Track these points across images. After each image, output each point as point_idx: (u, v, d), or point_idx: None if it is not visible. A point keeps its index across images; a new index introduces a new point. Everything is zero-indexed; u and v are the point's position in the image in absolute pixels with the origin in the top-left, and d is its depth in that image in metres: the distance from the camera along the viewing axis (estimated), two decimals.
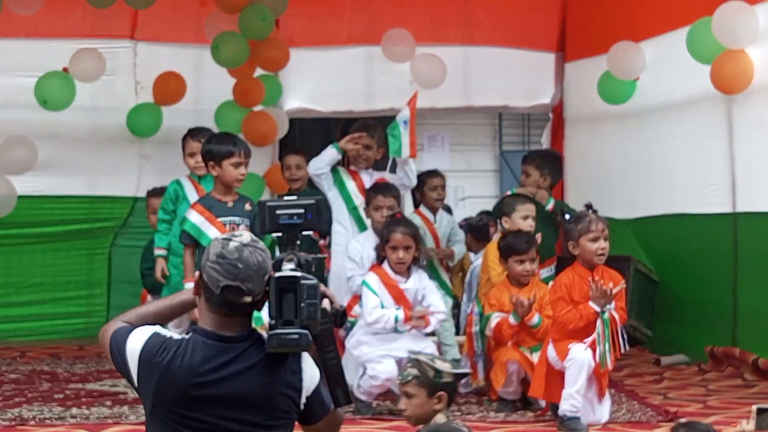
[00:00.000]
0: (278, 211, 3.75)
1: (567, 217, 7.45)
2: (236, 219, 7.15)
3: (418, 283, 7.21)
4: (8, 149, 9.21)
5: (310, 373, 3.59)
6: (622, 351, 6.79)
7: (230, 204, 7.18)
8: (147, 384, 3.50)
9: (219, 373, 3.47)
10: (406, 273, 7.19)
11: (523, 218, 7.57)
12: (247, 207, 7.21)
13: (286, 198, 3.91)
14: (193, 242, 7.12)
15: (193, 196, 7.65)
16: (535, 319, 7.09)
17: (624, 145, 9.88)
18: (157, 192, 8.48)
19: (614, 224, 9.15)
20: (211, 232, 6.99)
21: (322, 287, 3.58)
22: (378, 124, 8.21)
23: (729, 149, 8.49)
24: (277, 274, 3.52)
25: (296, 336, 3.45)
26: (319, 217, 3.79)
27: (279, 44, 9.50)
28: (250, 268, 3.47)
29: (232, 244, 3.50)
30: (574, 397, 6.54)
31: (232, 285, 3.46)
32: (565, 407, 6.56)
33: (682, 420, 6.73)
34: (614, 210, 9.45)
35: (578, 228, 6.78)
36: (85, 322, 10.11)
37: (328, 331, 3.62)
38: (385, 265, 7.19)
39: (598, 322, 6.58)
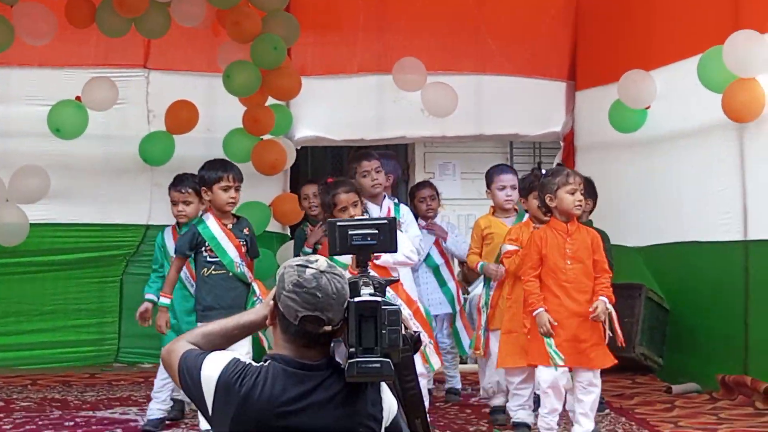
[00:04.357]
0: (351, 232, 3.57)
1: (543, 172, 7.16)
2: None
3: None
4: (21, 178, 9.21)
5: (390, 403, 3.47)
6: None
7: (229, 226, 7.26)
8: (224, 413, 3.36)
9: (300, 403, 3.33)
10: None
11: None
12: (245, 231, 7.30)
13: (358, 217, 3.74)
14: (185, 255, 7.21)
15: (171, 244, 7.68)
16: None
17: (635, 174, 9.88)
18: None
19: (625, 252, 9.17)
20: (225, 243, 7.11)
21: None
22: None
23: (741, 177, 8.49)
24: (357, 299, 3.36)
25: (378, 365, 3.30)
26: (392, 238, 3.62)
27: (291, 73, 9.50)
28: (329, 297, 3.34)
29: (309, 272, 3.36)
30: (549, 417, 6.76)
31: (311, 315, 3.34)
32: (541, 424, 6.82)
33: None
34: (625, 238, 9.44)
35: (556, 180, 6.78)
36: (96, 350, 10.13)
37: (409, 358, 3.48)
38: None
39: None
